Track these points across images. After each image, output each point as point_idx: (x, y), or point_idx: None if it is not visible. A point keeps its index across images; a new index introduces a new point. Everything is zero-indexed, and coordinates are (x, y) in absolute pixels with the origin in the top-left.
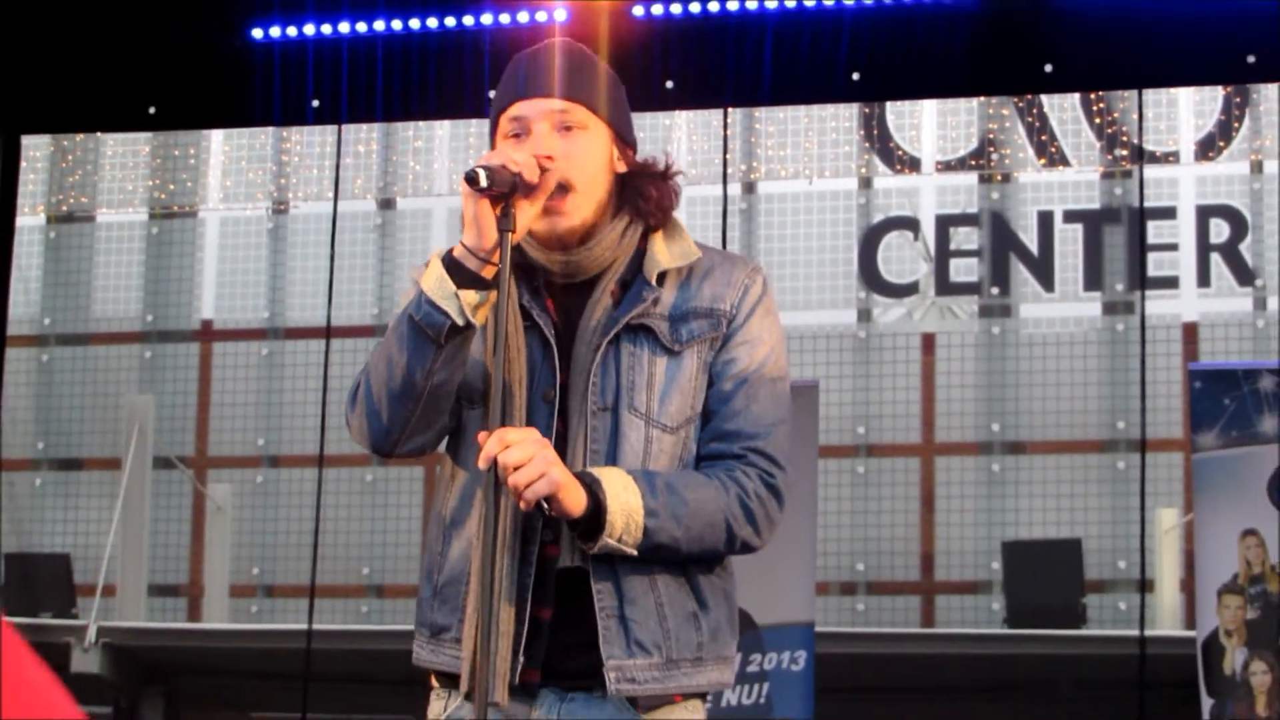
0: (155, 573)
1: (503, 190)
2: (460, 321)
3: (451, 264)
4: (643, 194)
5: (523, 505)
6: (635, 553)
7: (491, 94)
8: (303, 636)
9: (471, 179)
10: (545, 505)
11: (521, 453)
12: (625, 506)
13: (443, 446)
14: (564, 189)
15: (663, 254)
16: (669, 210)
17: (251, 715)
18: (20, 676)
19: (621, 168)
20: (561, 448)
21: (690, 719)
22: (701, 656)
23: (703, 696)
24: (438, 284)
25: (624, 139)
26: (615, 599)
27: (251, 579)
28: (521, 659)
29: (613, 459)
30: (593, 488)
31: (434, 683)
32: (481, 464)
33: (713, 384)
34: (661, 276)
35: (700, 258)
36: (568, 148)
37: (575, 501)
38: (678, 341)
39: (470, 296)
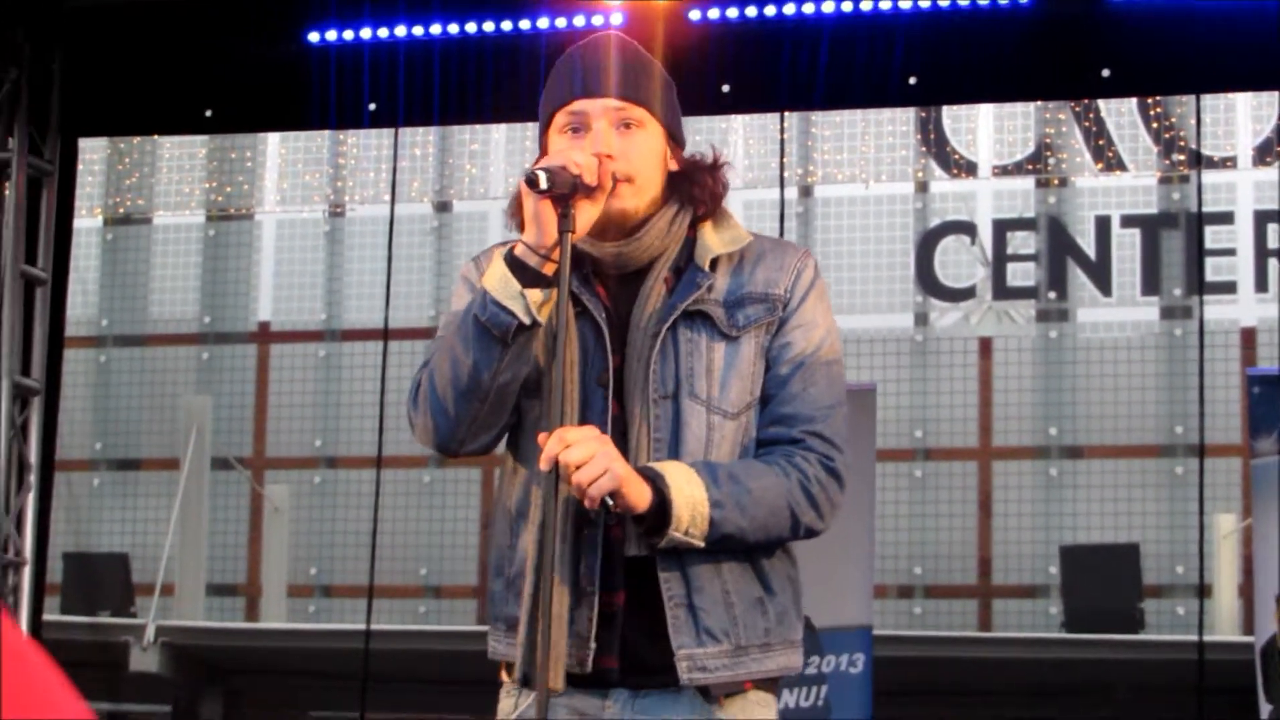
0: (213, 572)
1: (563, 191)
2: (527, 320)
3: (514, 262)
4: (697, 183)
5: (587, 503)
6: (702, 544)
7: None
8: (361, 636)
9: (531, 181)
10: (610, 502)
11: (583, 451)
12: (690, 499)
13: (503, 442)
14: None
15: (714, 240)
16: (720, 199)
17: (310, 715)
18: (22, 675)
19: (674, 166)
20: (618, 433)
21: (764, 717)
22: (769, 642)
23: (773, 684)
24: (502, 284)
25: (675, 138)
26: (683, 587)
27: (309, 579)
28: (594, 645)
29: (675, 447)
30: (656, 482)
31: (504, 678)
32: (543, 465)
33: (769, 368)
34: (714, 263)
35: (751, 242)
36: (626, 145)
37: (639, 496)
38: (735, 327)
39: (535, 295)
